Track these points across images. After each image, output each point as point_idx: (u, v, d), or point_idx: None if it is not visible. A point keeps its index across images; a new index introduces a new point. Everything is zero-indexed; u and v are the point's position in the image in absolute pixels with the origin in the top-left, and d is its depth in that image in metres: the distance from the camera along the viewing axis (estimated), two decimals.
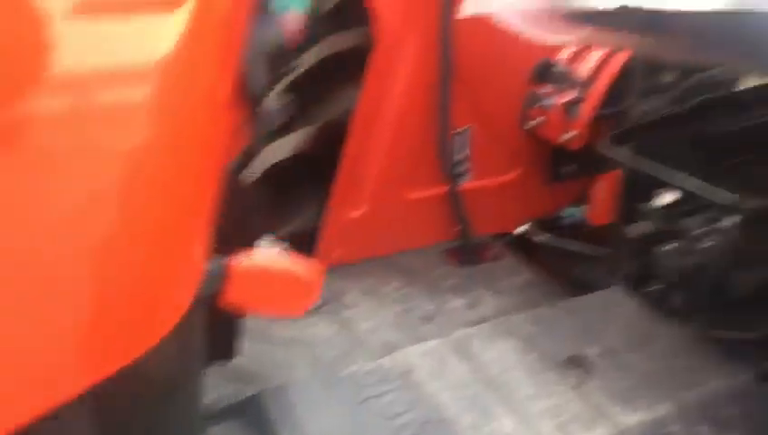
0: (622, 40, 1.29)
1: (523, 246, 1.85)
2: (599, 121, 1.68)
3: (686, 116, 1.40)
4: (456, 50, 1.63)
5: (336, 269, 1.71)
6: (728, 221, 1.36)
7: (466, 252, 1.81)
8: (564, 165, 1.88)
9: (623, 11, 1.05)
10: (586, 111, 1.64)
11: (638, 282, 1.54)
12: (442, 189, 1.79)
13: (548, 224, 1.95)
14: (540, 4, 1.24)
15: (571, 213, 1.93)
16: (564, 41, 1.47)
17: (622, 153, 1.42)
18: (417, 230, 1.81)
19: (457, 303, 1.60)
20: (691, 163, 1.39)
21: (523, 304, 1.57)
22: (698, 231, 1.44)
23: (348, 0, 1.73)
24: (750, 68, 1.01)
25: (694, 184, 1.29)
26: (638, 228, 1.55)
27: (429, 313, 1.57)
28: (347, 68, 1.73)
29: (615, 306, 1.40)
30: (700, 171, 1.37)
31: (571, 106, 1.66)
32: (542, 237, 1.79)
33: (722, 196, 1.24)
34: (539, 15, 1.26)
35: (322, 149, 1.74)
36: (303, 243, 1.72)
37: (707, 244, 1.42)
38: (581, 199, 1.94)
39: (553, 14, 1.23)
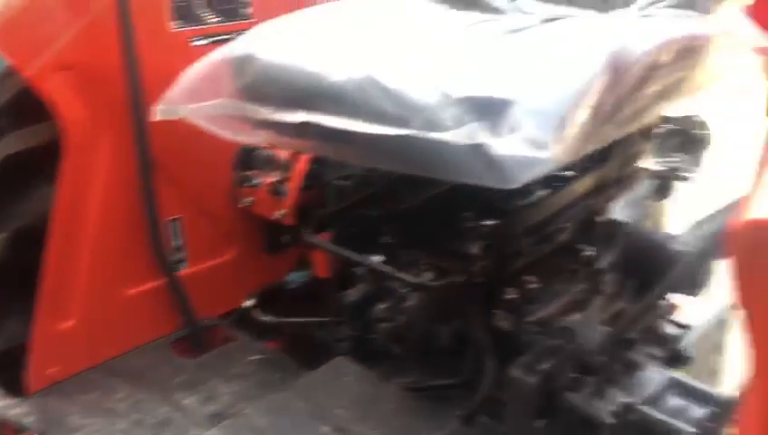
0: (304, 146, 1.39)
1: (252, 321, 1.87)
2: (308, 193, 1.77)
3: (379, 194, 1.54)
4: (154, 145, 1.62)
5: (53, 389, 1.58)
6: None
7: (195, 340, 1.79)
8: (282, 235, 1.95)
9: (305, 126, 1.13)
10: (292, 189, 1.73)
11: (359, 345, 1.66)
12: (161, 281, 1.75)
13: (274, 291, 2.00)
14: (226, 111, 1.28)
15: (296, 278, 2.00)
16: (252, 142, 1.53)
17: (323, 242, 1.51)
18: (140, 327, 1.74)
19: (192, 399, 1.57)
20: (391, 234, 1.54)
21: (257, 388, 1.59)
22: (403, 290, 1.61)
23: (23, 95, 1.61)
24: (413, 172, 1.14)
25: (385, 267, 1.42)
26: (355, 292, 1.68)
27: (163, 418, 1.52)
28: (33, 168, 1.61)
29: (341, 377, 1.49)
30: (396, 243, 1.52)
31: (277, 186, 1.74)
32: (267, 317, 1.83)
33: (409, 278, 1.40)
34: (227, 120, 1.30)
35: (18, 258, 1.59)
36: (9, 366, 1.57)
37: (411, 302, 1.58)
38: (305, 263, 2.03)
39: (240, 120, 1.28)
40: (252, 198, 1.81)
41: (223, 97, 1.29)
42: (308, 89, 1.13)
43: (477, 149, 0.90)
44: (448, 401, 1.51)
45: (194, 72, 1.34)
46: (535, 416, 1.28)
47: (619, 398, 1.27)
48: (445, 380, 1.54)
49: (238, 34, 1.70)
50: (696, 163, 1.87)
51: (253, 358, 1.73)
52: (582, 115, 0.94)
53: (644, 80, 1.10)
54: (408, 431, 1.34)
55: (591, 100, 0.95)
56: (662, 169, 1.83)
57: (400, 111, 0.99)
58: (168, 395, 1.58)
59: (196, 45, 1.69)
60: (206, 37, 1.71)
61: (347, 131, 1.07)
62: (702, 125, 1.83)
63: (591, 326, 1.31)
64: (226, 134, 1.33)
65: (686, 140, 1.85)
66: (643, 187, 1.85)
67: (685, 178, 1.86)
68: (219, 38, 1.72)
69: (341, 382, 1.48)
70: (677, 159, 1.84)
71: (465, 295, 1.43)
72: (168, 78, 1.36)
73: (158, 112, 1.35)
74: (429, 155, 0.99)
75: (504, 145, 0.87)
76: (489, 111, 0.91)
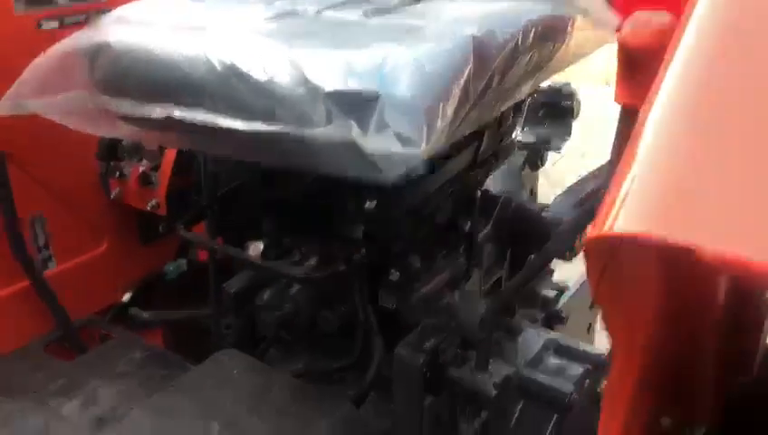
0: (170, 141, 1.32)
1: (132, 318, 1.79)
2: (181, 181, 1.70)
3: (255, 179, 1.49)
4: (5, 138, 1.49)
5: None
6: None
7: (71, 341, 1.69)
8: (158, 223, 1.87)
9: (169, 120, 1.08)
10: (163, 179, 1.65)
11: (246, 334, 1.63)
12: (25, 283, 1.64)
13: (154, 283, 1.92)
14: (82, 105, 1.19)
15: (175, 267, 1.93)
16: (115, 136, 1.44)
17: (196, 237, 1.46)
18: (6, 334, 1.62)
19: (71, 405, 1.49)
20: (271, 221, 1.51)
21: (142, 387, 1.53)
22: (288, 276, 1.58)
23: None
24: (286, 167, 1.11)
25: (264, 262, 1.39)
26: (237, 281, 1.63)
27: (40, 428, 1.43)
28: None
29: (228, 370, 1.45)
30: (277, 229, 1.49)
31: (146, 176, 1.65)
32: (147, 314, 1.76)
33: (292, 270, 1.37)
34: (84, 114, 1.21)
35: None
36: None
37: (296, 289, 1.57)
38: (186, 249, 1.96)
39: (98, 114, 1.19)
40: (121, 189, 1.71)
41: (77, 89, 1.20)
42: (168, 81, 1.07)
43: (349, 146, 0.89)
44: (340, 384, 1.52)
45: (43, 63, 1.23)
46: (423, 394, 1.31)
47: (502, 369, 1.31)
48: (335, 362, 1.54)
49: (93, 14, 1.60)
50: (567, 133, 1.95)
51: (135, 355, 1.66)
52: (451, 105, 0.94)
53: (510, 63, 1.12)
54: (301, 419, 1.33)
55: (459, 89, 0.95)
56: (533, 140, 1.90)
57: (267, 105, 0.96)
58: (44, 403, 1.49)
59: (46, 29, 1.56)
60: (57, 19, 1.58)
61: (214, 126, 1.03)
62: (570, 96, 1.90)
63: (473, 302, 1.35)
64: (84, 129, 1.24)
65: (556, 110, 1.91)
66: (517, 158, 1.91)
67: (556, 148, 1.94)
68: (73, 19, 1.60)
69: (229, 375, 1.44)
70: (548, 130, 1.91)
71: (350, 279, 1.43)
72: (15, 66, 1.25)
73: (3, 108, 1.23)
74: (301, 150, 0.96)
75: (374, 143, 0.86)
76: (359, 105, 0.89)
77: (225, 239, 1.64)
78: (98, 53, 1.18)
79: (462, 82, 0.97)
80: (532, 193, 2.10)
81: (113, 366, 1.61)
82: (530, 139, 1.95)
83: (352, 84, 0.91)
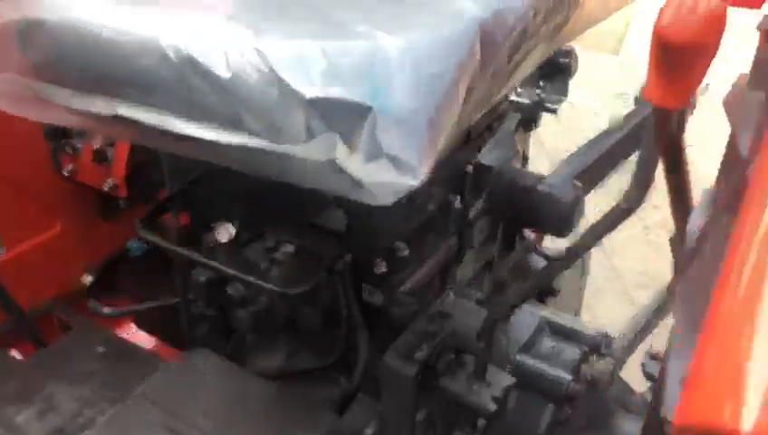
0: (118, 135, 1.15)
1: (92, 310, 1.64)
2: (140, 158, 1.52)
3: (220, 172, 1.32)
4: None
5: None
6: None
7: (25, 336, 1.54)
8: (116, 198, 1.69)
9: (117, 118, 0.90)
10: (120, 155, 1.47)
11: (218, 326, 1.49)
12: None
13: (116, 263, 1.77)
14: (15, 89, 1.01)
15: (139, 244, 1.77)
16: (55, 123, 1.24)
17: (157, 238, 1.29)
18: None
19: (26, 414, 1.35)
20: (242, 208, 1.35)
21: (104, 389, 1.41)
22: (263, 265, 1.43)
23: None
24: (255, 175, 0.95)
25: (236, 271, 1.24)
26: (206, 270, 1.48)
27: None
28: None
29: (201, 374, 1.33)
30: (248, 218, 1.34)
31: (100, 153, 1.47)
32: (108, 309, 1.61)
33: (265, 282, 1.22)
34: (19, 99, 1.03)
35: None
36: None
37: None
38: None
39: (36, 100, 1.01)
40: (74, 166, 1.53)
41: (9, 71, 1.01)
42: (113, 70, 0.89)
43: (334, 166, 0.73)
44: (322, 385, 1.40)
45: None
46: (416, 406, 1.19)
47: (501, 379, 1.20)
48: (317, 360, 1.42)
49: None
50: (563, 92, 1.79)
51: (96, 349, 1.51)
52: (455, 111, 0.78)
53: (519, 43, 0.95)
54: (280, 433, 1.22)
55: (464, 89, 0.79)
56: (528, 101, 1.74)
57: (231, 110, 0.79)
58: None
59: None
60: None
61: (166, 129, 0.86)
62: (568, 53, 1.73)
63: (469, 309, 1.22)
64: (21, 114, 1.06)
65: (552, 68, 1.75)
66: (510, 121, 1.75)
67: (552, 110, 1.79)
68: None
69: (201, 381, 1.31)
70: (543, 90, 1.75)
71: (331, 274, 1.29)
72: None
73: None
74: (275, 164, 0.80)
75: (365, 168, 0.70)
76: (345, 117, 0.73)
77: (192, 217, 1.48)
78: (30, 30, 0.99)
79: (467, 80, 0.80)
80: (524, 157, 1.96)
81: (73, 364, 1.47)
82: (524, 99, 1.79)
83: (337, 90, 0.74)
